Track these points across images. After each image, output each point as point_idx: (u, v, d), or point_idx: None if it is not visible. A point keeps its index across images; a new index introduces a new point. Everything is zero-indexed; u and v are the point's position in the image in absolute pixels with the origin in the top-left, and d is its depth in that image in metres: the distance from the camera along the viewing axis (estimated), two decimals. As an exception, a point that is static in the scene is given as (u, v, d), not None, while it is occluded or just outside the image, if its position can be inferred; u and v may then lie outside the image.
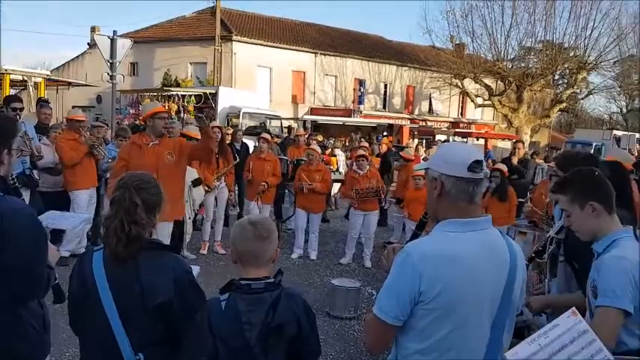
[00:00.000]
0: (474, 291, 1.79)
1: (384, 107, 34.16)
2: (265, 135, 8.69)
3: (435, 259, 1.78)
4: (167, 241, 5.42)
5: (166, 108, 17.03)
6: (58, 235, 2.80)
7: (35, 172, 6.26)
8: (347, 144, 17.53)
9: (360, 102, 31.12)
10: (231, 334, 2.04)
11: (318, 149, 8.73)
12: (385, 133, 22.42)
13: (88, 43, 30.44)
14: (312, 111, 29.95)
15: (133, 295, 2.06)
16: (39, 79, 15.33)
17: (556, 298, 2.92)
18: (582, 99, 36.02)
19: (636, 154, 17.58)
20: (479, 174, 1.86)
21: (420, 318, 1.79)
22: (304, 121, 24.51)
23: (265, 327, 2.04)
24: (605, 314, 2.16)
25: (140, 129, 7.69)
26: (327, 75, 31.56)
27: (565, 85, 28.40)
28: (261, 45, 28.51)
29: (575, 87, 27.76)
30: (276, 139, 12.47)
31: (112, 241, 2.06)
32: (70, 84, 19.81)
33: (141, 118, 6.35)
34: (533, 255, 3.62)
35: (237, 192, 9.26)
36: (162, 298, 2.05)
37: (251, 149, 10.17)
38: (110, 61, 10.67)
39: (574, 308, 1.78)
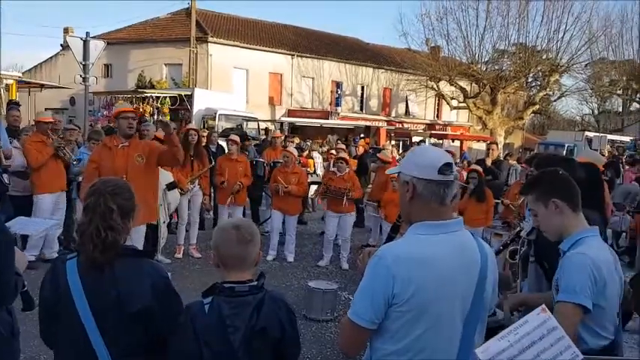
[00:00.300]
0: (446, 292, 1.83)
1: (361, 109, 34.29)
2: (233, 137, 8.66)
3: (407, 261, 1.81)
4: (141, 245, 5.37)
5: (141, 110, 16.88)
6: (24, 241, 2.77)
7: (5, 176, 6.14)
8: (323, 145, 17.54)
9: (338, 104, 31.19)
10: (215, 338, 2.03)
11: (295, 151, 8.73)
12: (362, 135, 22.51)
13: (61, 45, 29.94)
14: (290, 113, 29.90)
15: (110, 302, 2.04)
16: (10, 81, 15.03)
17: (529, 296, 2.97)
18: (555, 101, 36.71)
19: (607, 154, 17.92)
20: (449, 176, 1.90)
21: (394, 320, 1.82)
22: (281, 123, 24.45)
23: (249, 330, 2.04)
24: (563, 309, 2.21)
25: (114, 131, 7.59)
26: (304, 77, 31.56)
27: (538, 88, 28.87)
28: (238, 46, 28.36)
29: (548, 89, 28.24)
30: (251, 141, 12.40)
31: (89, 248, 2.04)
32: (42, 86, 19.48)
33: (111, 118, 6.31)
34: (501, 248, 3.67)
35: (212, 195, 9.19)
36: (140, 304, 2.04)
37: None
38: (83, 63, 10.53)
39: (544, 305, 1.82)
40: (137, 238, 5.20)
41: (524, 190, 2.55)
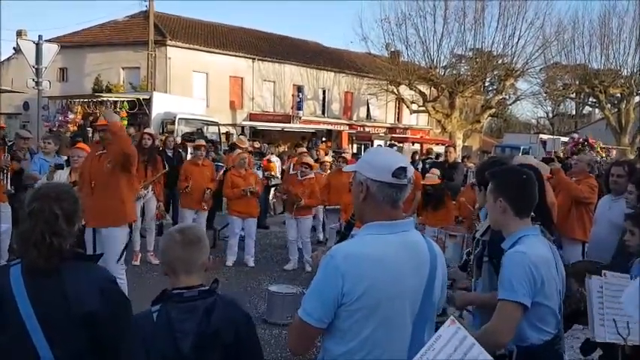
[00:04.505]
0: (395, 291, 1.86)
1: (323, 113, 34.40)
2: (200, 142, 8.60)
3: (357, 260, 1.84)
4: (123, 246, 5.26)
5: (98, 114, 16.48)
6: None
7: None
8: (292, 150, 17.45)
9: (299, 108, 31.19)
10: (163, 345, 2.01)
11: (248, 154, 8.69)
12: (324, 139, 22.60)
13: (14, 48, 29.01)
14: (251, 116, 29.76)
15: (58, 308, 2.00)
16: (-41, 85, 14.51)
17: (478, 295, 3.04)
18: (510, 104, 37.76)
19: (562, 155, 18.49)
20: (402, 180, 1.93)
21: (345, 319, 1.85)
22: (242, 127, 24.29)
23: (199, 335, 2.01)
24: (502, 307, 2.27)
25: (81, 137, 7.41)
26: (265, 81, 31.46)
27: (494, 92, 29.55)
28: (197, 50, 28.07)
29: (504, 93, 28.97)
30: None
31: (33, 254, 2.00)
32: (-7, 90, 18.79)
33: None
34: (466, 257, 3.73)
35: (171, 200, 9.06)
36: (88, 308, 2.01)
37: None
38: (35, 67, 10.24)
39: (452, 317, 1.88)
40: (108, 241, 5.11)
41: (488, 176, 2.55)
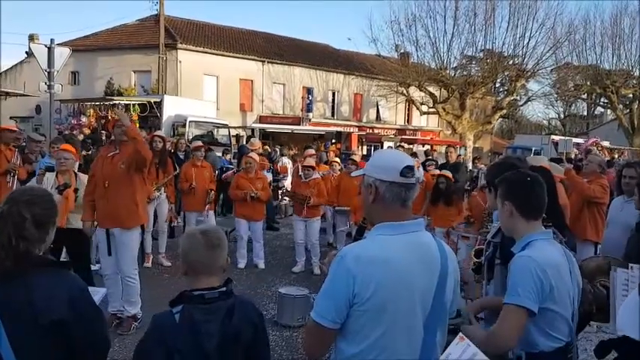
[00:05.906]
0: (405, 291, 1.85)
1: (333, 115, 34.41)
2: (197, 143, 8.70)
3: (367, 261, 1.84)
4: (136, 248, 5.38)
5: (109, 117, 16.63)
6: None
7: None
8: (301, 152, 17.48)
9: (309, 110, 31.23)
10: (188, 346, 2.01)
11: (257, 157, 8.70)
12: (334, 141, 22.60)
13: (26, 52, 29.34)
14: (261, 119, 29.84)
15: (25, 315, 1.95)
16: (-28, 89, 14.66)
17: (489, 299, 3.00)
18: (522, 105, 37.52)
19: (573, 157, 18.35)
20: (411, 179, 1.93)
21: (356, 320, 1.85)
22: (252, 130, 24.35)
23: (222, 336, 2.04)
24: (507, 312, 2.22)
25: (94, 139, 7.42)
26: (275, 83, 31.55)
27: (505, 93, 29.38)
28: (208, 53, 28.21)
29: (515, 94, 28.72)
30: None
31: (0, 256, 1.96)
32: (7, 94, 19.01)
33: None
34: (475, 259, 3.70)
35: (180, 203, 9.09)
36: (55, 316, 1.96)
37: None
38: (48, 71, 10.31)
39: (461, 334, 1.85)
40: (122, 242, 5.18)
41: (496, 183, 2.55)
